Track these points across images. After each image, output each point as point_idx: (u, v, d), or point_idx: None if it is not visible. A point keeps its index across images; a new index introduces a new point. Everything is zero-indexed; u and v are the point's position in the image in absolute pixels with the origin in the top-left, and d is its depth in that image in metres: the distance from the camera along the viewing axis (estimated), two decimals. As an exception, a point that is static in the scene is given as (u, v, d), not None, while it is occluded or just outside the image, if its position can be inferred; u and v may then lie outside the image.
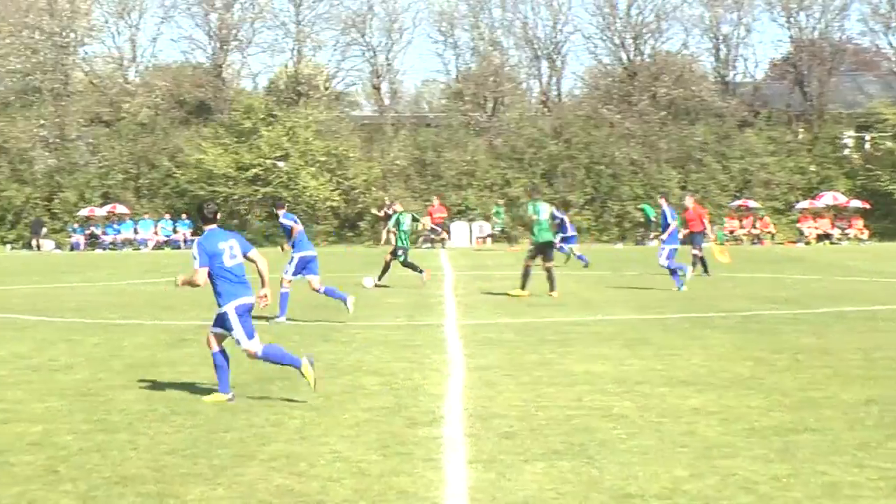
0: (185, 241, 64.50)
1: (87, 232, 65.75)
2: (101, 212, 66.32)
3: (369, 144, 71.69)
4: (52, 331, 21.03)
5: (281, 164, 67.11)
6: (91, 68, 75.61)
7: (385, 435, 11.30)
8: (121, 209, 66.38)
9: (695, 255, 34.90)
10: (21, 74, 73.64)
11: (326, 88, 76.15)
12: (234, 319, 13.41)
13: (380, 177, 68.93)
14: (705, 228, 35.49)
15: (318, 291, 23.00)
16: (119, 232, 65.47)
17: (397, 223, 32.21)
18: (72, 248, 63.93)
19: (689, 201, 35.96)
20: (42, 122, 70.71)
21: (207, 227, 13.79)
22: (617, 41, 75.65)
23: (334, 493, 9.19)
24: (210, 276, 13.46)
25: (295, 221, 23.23)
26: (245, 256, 13.68)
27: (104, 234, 65.61)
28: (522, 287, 27.83)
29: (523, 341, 18.72)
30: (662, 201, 32.79)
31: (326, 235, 66.42)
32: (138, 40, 76.29)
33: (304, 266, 23.00)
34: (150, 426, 11.80)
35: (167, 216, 66.93)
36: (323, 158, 67.76)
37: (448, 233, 61.95)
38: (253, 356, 13.55)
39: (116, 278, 36.92)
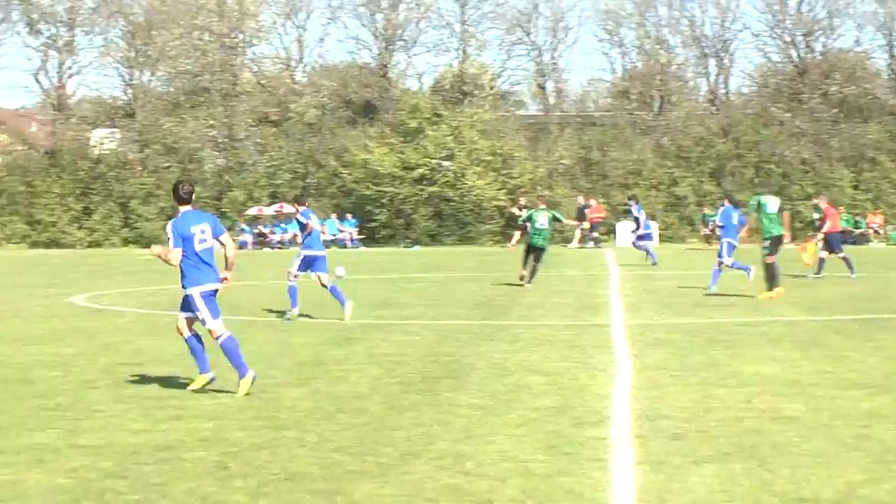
0: (351, 241, 65.24)
1: (255, 231, 66.80)
2: (268, 211, 67.33)
3: (534, 144, 71.64)
4: (223, 328, 21.32)
5: (447, 163, 67.39)
6: (259, 69, 76.86)
7: (551, 435, 11.24)
8: (288, 208, 67.28)
9: (844, 259, 34.11)
10: (191, 75, 75.20)
11: (491, 88, 76.31)
12: (199, 301, 13.88)
13: (545, 176, 68.83)
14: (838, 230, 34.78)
15: (325, 287, 23.02)
16: (286, 231, 66.34)
17: (529, 219, 31.87)
18: (240, 247, 65.00)
19: (822, 202, 35.37)
20: (211, 122, 72.07)
21: (182, 208, 14.00)
22: (787, 38, 74.51)
23: (501, 493, 9.15)
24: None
25: (309, 219, 23.32)
26: (216, 239, 14.00)
27: (272, 233, 66.58)
28: (770, 288, 26.90)
29: (691, 342, 18.51)
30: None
31: (492, 235, 66.57)
32: (305, 41, 77.36)
33: (309, 264, 23.11)
34: (317, 424, 11.90)
35: (334, 216, 67.71)
36: (488, 158, 67.89)
37: (611, 233, 61.91)
38: (216, 337, 13.87)
39: (284, 277, 37.30)
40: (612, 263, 43.04)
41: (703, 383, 14.26)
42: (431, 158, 67.33)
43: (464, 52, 75.86)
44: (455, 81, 75.55)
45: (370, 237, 65.47)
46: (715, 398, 13.18)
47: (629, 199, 50.03)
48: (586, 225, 60.74)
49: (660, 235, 66.21)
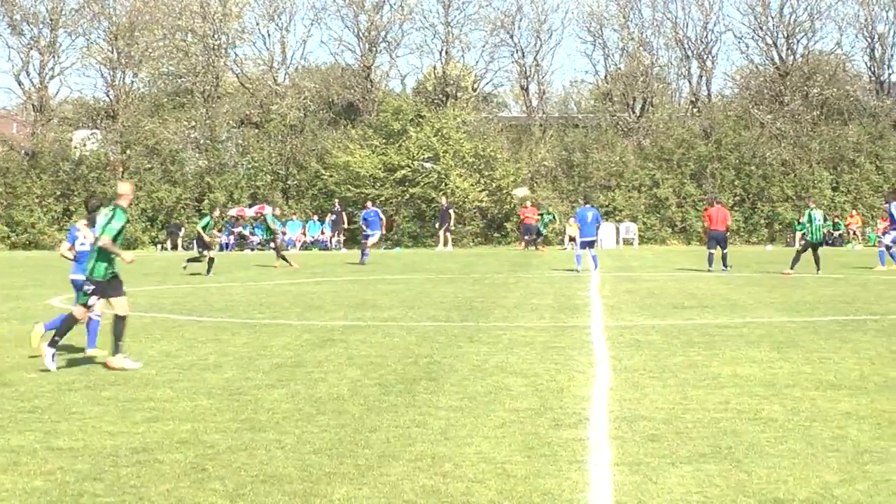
0: (332, 242, 65.21)
1: (236, 231, 66.62)
2: (249, 212, 67.23)
3: (517, 145, 71.70)
4: (201, 330, 21.37)
5: (429, 165, 67.41)
6: (241, 70, 76.75)
7: (530, 436, 11.26)
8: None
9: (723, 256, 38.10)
10: (173, 77, 75.08)
11: (474, 89, 76.35)
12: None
13: (527, 177, 68.89)
14: None
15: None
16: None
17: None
18: (221, 249, 64.90)
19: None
20: (193, 123, 71.99)
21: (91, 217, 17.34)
22: (769, 41, 74.71)
23: (479, 495, 9.17)
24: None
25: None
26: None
27: (252, 234, 66.46)
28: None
29: (669, 343, 18.55)
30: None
31: (473, 237, 66.62)
32: (288, 42, 77.36)
33: None
34: (296, 425, 11.90)
35: (315, 217, 67.63)
36: (471, 159, 67.95)
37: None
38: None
39: (264, 278, 37.40)
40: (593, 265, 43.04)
41: (681, 384, 14.30)
42: (414, 160, 67.33)
43: (447, 53, 75.89)
44: (438, 83, 75.58)
45: (351, 239, 65.41)
46: (692, 399, 13.22)
47: (583, 199, 50.05)
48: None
49: (640, 237, 66.44)
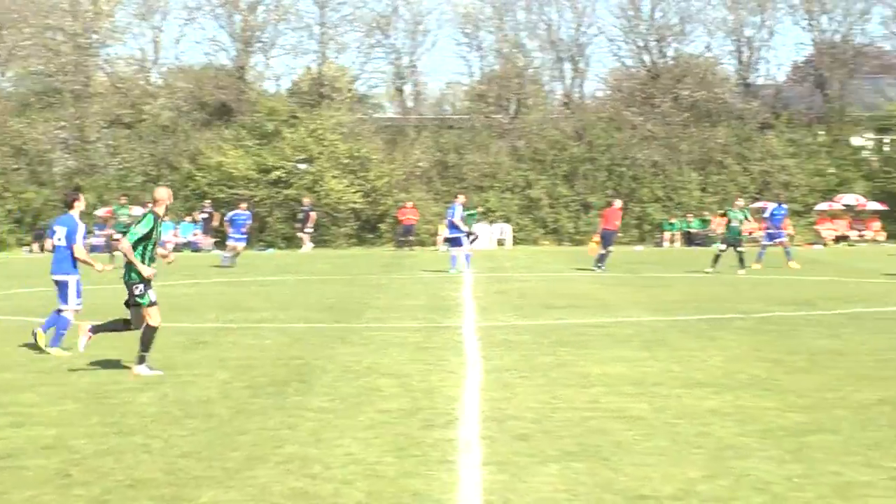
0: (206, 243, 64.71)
1: (105, 233, 65.65)
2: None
3: (392, 146, 71.63)
4: (70, 334, 21.03)
5: (303, 166, 67.13)
6: (113, 70, 75.74)
7: (400, 437, 11.29)
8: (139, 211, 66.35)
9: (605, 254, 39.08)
10: (42, 76, 73.86)
11: (349, 90, 76.15)
12: None
13: (402, 178, 68.91)
14: None
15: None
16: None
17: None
18: (92, 250, 63.90)
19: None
20: (62, 123, 70.84)
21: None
22: (641, 43, 75.54)
23: (348, 496, 9.18)
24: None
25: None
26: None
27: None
28: None
29: (540, 343, 18.69)
30: None
31: (347, 238, 66.49)
32: (161, 42, 76.50)
33: None
34: (164, 429, 11.80)
35: (187, 219, 66.99)
36: (346, 161, 67.80)
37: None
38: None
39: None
40: (467, 266, 43.19)
41: (550, 384, 14.42)
42: (288, 161, 67.02)
43: (322, 54, 75.61)
44: (313, 84, 75.27)
45: (224, 240, 64.85)
46: (561, 398, 13.34)
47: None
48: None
49: (514, 238, 66.76)
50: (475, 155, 70.38)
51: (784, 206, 44.71)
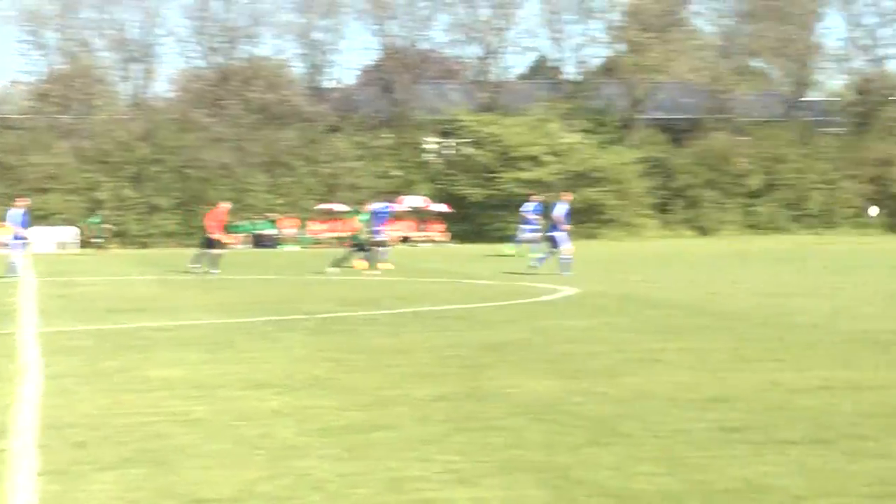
0: None
1: None
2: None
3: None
4: None
5: None
6: None
7: (-48, 450, 10.87)
8: None
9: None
10: None
11: None
12: None
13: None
14: None
15: None
16: None
17: None
18: None
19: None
20: None
21: None
22: (211, 44, 75.40)
23: None
24: None
25: None
26: None
27: None
28: None
29: (103, 348, 18.39)
30: None
31: None
32: None
33: None
34: None
35: None
36: None
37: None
38: None
39: None
40: (26, 270, 42.02)
41: (111, 389, 14.20)
42: None
43: None
44: None
45: None
46: (123, 404, 13.15)
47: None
48: None
49: (81, 241, 65.36)
50: (37, 156, 68.55)
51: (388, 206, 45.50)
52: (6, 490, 9.43)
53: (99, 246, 53.81)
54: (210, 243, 38.43)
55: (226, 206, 41.33)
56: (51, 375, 15.40)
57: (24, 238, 37.47)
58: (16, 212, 37.40)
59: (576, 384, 14.12)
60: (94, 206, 67.10)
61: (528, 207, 47.23)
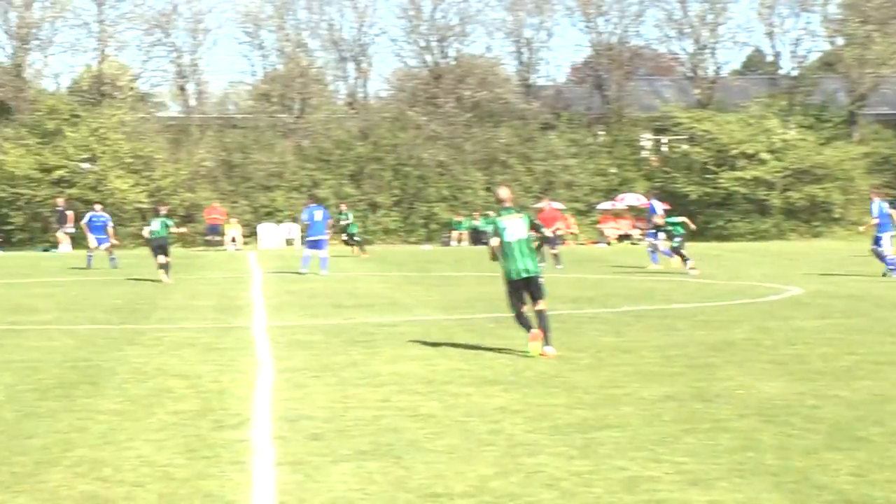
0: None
1: None
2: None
3: (176, 146, 70.82)
4: None
5: (86, 165, 65.93)
6: None
7: (191, 438, 11.21)
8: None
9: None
10: None
11: (131, 89, 74.97)
12: None
13: (187, 178, 68.20)
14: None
15: None
16: None
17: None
18: None
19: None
20: None
21: None
22: (422, 43, 76.08)
23: (140, 499, 9.10)
24: None
25: None
26: None
27: None
28: None
29: (331, 343, 18.72)
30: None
31: (134, 238, 65.44)
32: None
33: None
34: (-51, 435, 11.53)
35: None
36: (130, 160, 66.83)
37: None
38: None
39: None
40: (254, 266, 43.06)
41: (342, 383, 14.47)
42: (70, 160, 65.76)
43: (102, 52, 74.29)
44: (93, 82, 73.95)
45: (6, 241, 63.34)
46: (353, 398, 13.40)
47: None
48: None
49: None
50: (260, 154, 70.05)
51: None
52: (248, 479, 9.69)
53: (357, 245, 53.67)
54: (548, 241, 38.14)
55: (557, 205, 41.30)
56: (283, 369, 15.77)
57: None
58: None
59: (807, 386, 13.90)
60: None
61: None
